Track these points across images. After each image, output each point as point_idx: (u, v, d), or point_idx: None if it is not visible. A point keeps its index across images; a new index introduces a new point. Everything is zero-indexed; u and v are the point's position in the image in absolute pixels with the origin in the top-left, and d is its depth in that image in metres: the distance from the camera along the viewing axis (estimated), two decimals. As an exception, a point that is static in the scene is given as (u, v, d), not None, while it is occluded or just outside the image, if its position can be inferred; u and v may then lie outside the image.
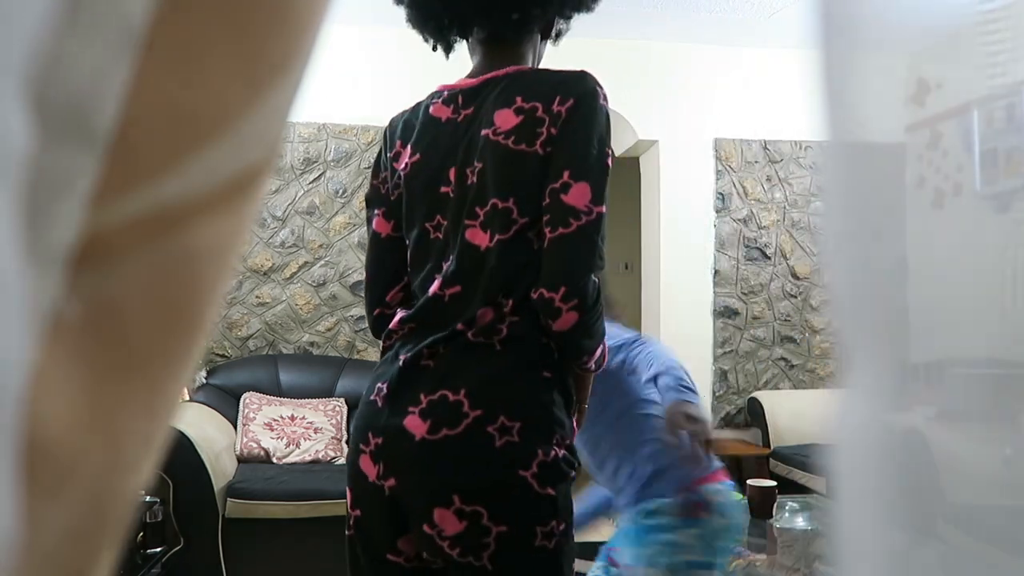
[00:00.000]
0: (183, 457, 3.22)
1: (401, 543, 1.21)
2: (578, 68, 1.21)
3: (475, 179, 1.20)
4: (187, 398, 3.74)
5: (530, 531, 1.12)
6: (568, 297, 1.13)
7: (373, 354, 4.40)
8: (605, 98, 1.20)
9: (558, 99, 1.17)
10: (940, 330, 0.43)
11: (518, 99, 1.19)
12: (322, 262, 4.54)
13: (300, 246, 4.52)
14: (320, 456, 3.73)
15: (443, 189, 1.25)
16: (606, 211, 1.15)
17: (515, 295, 1.17)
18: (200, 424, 3.50)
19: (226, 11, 0.16)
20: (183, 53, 0.16)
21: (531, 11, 1.27)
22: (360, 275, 4.57)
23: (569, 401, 1.21)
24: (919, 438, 0.40)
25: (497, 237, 1.18)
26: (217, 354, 4.38)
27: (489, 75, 1.26)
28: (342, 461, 3.74)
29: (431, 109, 1.30)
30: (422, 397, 1.16)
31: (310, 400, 3.95)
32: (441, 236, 1.25)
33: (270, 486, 3.40)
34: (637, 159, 5.22)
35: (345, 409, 3.97)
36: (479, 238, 1.20)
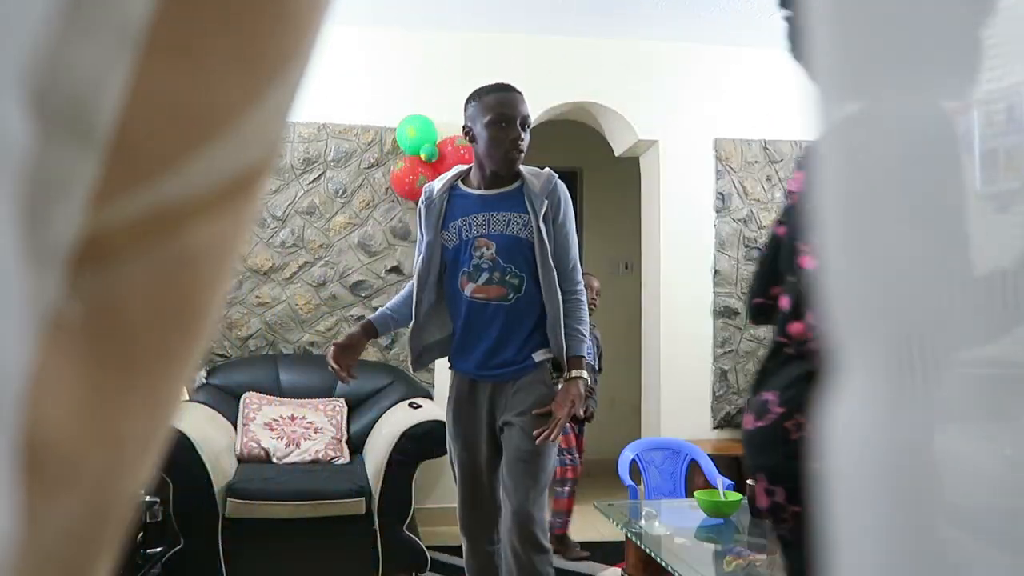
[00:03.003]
0: (183, 457, 3.22)
1: None
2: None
3: None
4: (187, 398, 3.74)
5: None
6: None
7: (373, 354, 4.41)
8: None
9: None
10: (940, 330, 0.43)
11: None
12: (322, 262, 4.54)
13: (300, 246, 4.53)
14: (320, 456, 3.73)
15: None
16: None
17: None
18: (200, 424, 3.50)
19: (226, 10, 0.16)
20: (183, 52, 0.16)
21: None
22: (359, 275, 4.57)
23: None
24: (918, 438, 0.40)
25: None
26: (217, 354, 4.39)
27: None
28: (342, 461, 3.75)
29: None
30: None
31: (310, 400, 3.95)
32: None
33: (270, 486, 3.40)
34: (637, 159, 5.22)
35: (345, 409, 3.97)
36: None
